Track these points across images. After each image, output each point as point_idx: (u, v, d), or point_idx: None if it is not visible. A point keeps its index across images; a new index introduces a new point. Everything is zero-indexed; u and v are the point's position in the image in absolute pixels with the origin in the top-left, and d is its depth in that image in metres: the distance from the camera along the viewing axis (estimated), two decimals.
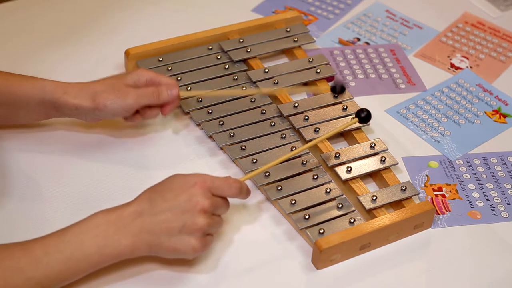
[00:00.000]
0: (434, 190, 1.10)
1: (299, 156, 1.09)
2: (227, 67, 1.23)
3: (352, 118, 1.08)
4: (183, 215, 0.90)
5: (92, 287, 0.93)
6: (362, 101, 1.21)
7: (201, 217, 0.90)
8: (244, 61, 1.25)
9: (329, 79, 1.25)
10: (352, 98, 1.20)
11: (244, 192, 0.96)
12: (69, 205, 1.03)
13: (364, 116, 1.07)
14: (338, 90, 1.09)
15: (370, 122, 1.14)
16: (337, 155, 1.09)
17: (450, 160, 1.15)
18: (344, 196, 1.05)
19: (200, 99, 1.16)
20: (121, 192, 1.02)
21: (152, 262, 0.96)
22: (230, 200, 0.97)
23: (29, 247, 0.86)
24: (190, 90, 1.15)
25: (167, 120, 1.16)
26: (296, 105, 1.16)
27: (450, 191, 1.10)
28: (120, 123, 1.13)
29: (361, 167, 1.09)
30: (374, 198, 1.04)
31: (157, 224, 0.89)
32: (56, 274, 0.86)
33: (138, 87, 1.06)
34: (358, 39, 1.37)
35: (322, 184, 1.06)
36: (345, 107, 1.17)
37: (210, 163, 1.10)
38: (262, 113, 1.16)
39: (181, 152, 1.12)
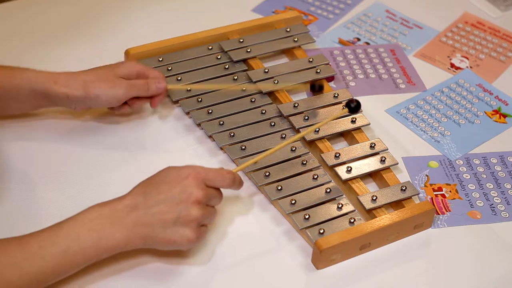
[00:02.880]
0: (434, 190, 1.10)
1: (299, 156, 1.09)
2: (227, 67, 1.23)
3: (343, 108, 1.09)
4: (177, 207, 0.91)
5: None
6: (362, 101, 1.20)
7: (195, 208, 0.91)
8: (244, 61, 1.25)
9: (329, 79, 1.25)
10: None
11: (237, 183, 0.97)
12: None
13: (354, 106, 1.07)
14: (317, 88, 1.14)
15: (370, 123, 1.15)
16: (337, 155, 1.09)
17: (450, 160, 1.15)
18: (344, 196, 1.05)
19: (200, 99, 1.16)
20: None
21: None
22: (230, 200, 0.97)
23: (24, 242, 0.86)
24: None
25: (167, 120, 1.16)
26: (296, 105, 1.16)
27: (450, 191, 1.10)
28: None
29: (361, 167, 1.09)
30: (374, 198, 1.04)
31: (152, 216, 0.90)
32: (52, 268, 0.86)
33: (129, 78, 1.09)
34: (358, 39, 1.37)
35: (322, 184, 1.06)
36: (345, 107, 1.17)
37: (210, 163, 1.10)
38: (262, 113, 1.16)
39: (180, 152, 1.12)
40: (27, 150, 1.09)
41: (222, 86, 1.19)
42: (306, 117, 1.14)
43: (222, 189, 0.96)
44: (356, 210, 1.04)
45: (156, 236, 0.90)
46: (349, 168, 1.08)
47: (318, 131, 1.13)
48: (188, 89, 1.17)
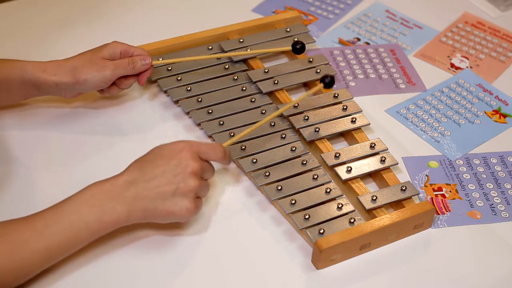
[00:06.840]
0: (434, 190, 1.10)
1: (299, 156, 1.09)
2: (227, 67, 1.23)
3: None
4: (175, 178, 0.93)
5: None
6: (362, 101, 1.21)
7: (192, 179, 0.94)
8: (244, 61, 1.25)
9: None
10: (352, 98, 1.20)
11: (227, 157, 1.00)
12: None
13: (328, 82, 1.09)
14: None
15: (370, 123, 1.15)
16: (337, 155, 1.09)
17: (450, 160, 1.15)
18: (344, 196, 1.05)
19: (200, 99, 1.16)
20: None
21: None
22: (230, 200, 0.98)
23: (30, 221, 0.89)
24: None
25: (167, 120, 1.16)
26: (296, 105, 1.16)
27: (450, 191, 1.10)
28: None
29: (361, 167, 1.09)
30: (374, 198, 1.04)
31: (151, 189, 0.93)
32: (58, 245, 0.89)
33: (114, 59, 1.11)
34: (358, 39, 1.37)
35: (322, 184, 1.06)
36: (345, 107, 1.17)
37: None
38: (262, 113, 1.16)
39: None
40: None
41: (198, 58, 1.21)
42: (306, 117, 1.14)
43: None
44: (356, 210, 1.04)
45: (156, 208, 0.93)
46: (349, 168, 1.08)
47: (318, 131, 1.13)
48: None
